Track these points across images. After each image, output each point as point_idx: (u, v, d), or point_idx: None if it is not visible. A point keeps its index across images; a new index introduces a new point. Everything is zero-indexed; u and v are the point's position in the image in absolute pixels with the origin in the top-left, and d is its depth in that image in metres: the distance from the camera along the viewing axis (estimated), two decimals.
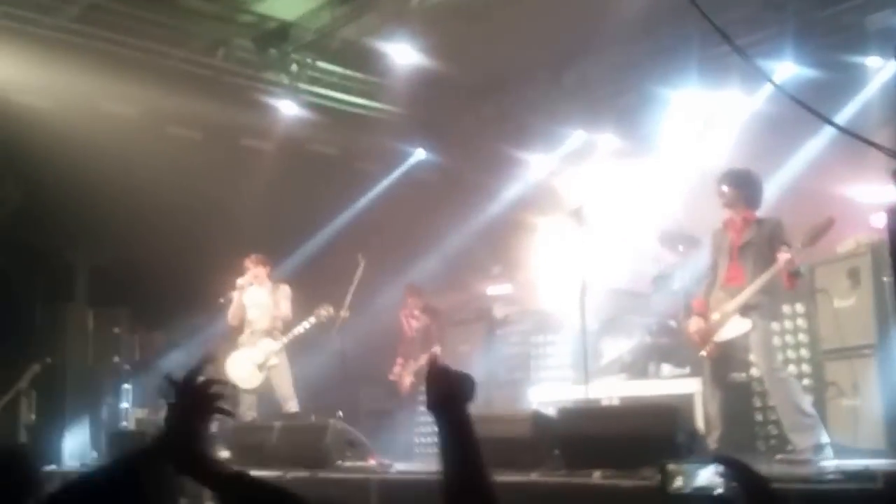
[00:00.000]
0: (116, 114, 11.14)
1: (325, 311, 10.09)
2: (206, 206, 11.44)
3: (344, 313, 9.82)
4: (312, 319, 10.16)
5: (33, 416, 10.69)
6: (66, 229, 11.47)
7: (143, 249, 11.29)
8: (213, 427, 11.20)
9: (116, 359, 11.71)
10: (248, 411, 10.06)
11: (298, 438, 8.38)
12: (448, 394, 2.53)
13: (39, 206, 10.99)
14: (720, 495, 3.96)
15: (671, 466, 4.20)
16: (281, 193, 11.84)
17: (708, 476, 3.98)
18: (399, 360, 10.97)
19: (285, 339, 10.13)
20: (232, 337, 10.50)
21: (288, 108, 11.61)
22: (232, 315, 10.37)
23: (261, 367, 10.05)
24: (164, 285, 11.54)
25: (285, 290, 10.36)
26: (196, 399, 2.45)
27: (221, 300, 10.49)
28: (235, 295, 10.37)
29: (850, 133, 3.90)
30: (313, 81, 11.62)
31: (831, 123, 4.02)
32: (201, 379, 2.46)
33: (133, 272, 11.55)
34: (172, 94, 10.95)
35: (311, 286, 10.89)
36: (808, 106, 4.17)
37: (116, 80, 10.49)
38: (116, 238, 11.45)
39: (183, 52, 10.81)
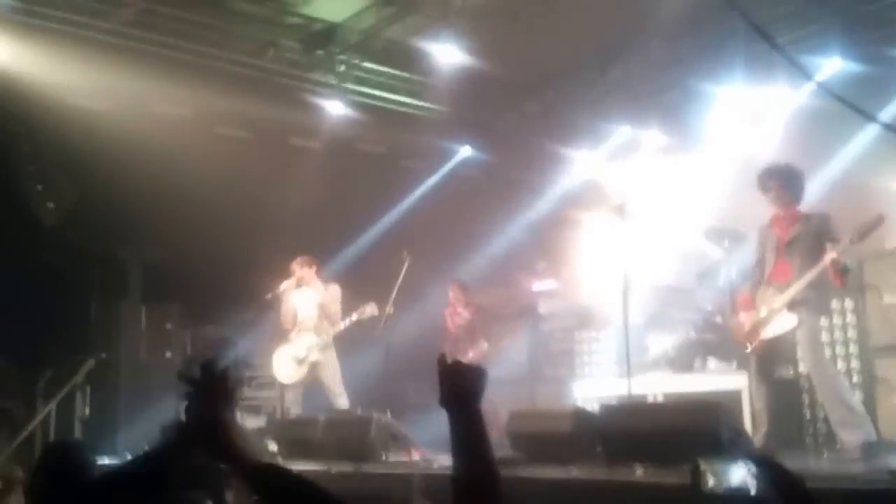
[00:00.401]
0: (168, 115, 11.19)
1: (369, 309, 10.05)
2: (254, 205, 11.49)
3: (389, 309, 9.73)
4: (354, 316, 10.16)
5: (88, 411, 10.70)
6: (119, 228, 11.58)
7: (194, 247, 11.33)
8: (260, 420, 11.36)
9: (168, 354, 11.83)
10: (292, 406, 10.12)
11: (343, 432, 8.37)
12: (459, 391, 2.55)
13: (94, 206, 11.09)
14: (754, 496, 3.80)
15: (703, 466, 4.04)
16: (328, 192, 11.84)
17: (742, 476, 3.82)
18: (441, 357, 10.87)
19: (325, 335, 10.11)
20: (282, 335, 10.53)
21: (335, 108, 11.62)
22: (283, 318, 10.41)
23: (300, 361, 10.08)
24: (214, 282, 11.62)
25: (334, 290, 10.35)
26: (216, 386, 2.45)
27: (268, 296, 10.52)
28: (281, 298, 10.41)
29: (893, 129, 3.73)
30: (359, 81, 11.64)
31: (874, 119, 3.84)
32: (220, 366, 2.47)
33: (184, 269, 11.65)
34: (222, 95, 10.96)
35: (357, 283, 10.89)
36: (851, 102, 4.02)
37: (167, 81, 10.52)
38: (168, 236, 11.53)
39: (232, 54, 10.84)
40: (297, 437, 8.78)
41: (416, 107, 12.18)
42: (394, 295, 9.72)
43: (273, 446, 9.16)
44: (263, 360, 12.02)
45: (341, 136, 12.17)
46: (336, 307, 10.24)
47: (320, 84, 11.58)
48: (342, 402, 9.91)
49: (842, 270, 6.62)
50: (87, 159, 10.44)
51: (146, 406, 10.67)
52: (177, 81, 10.56)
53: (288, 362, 10.20)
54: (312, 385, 10.23)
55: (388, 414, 9.29)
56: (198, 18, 10.26)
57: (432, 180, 13.26)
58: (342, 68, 11.35)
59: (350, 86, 11.55)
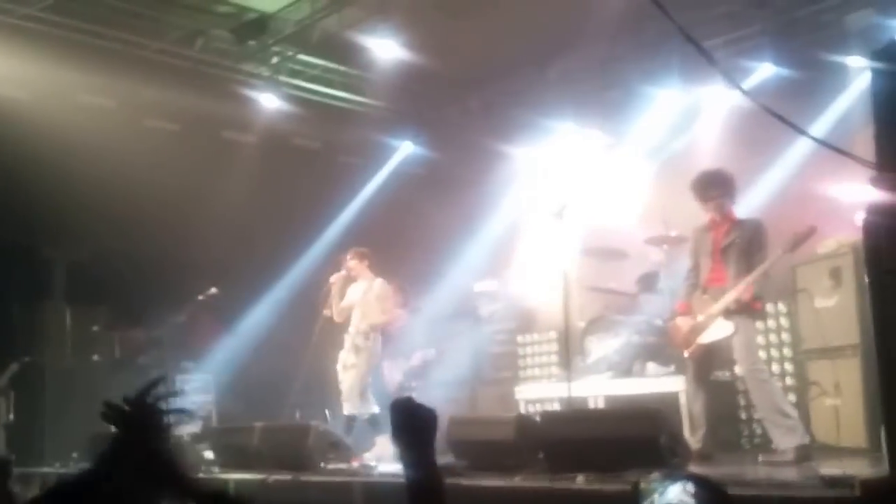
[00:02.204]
0: (94, 105, 11.14)
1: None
2: (186, 201, 11.37)
3: (327, 312, 9.83)
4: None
5: (12, 416, 10.63)
6: (42, 225, 11.39)
7: (122, 245, 11.32)
8: (195, 426, 11.40)
9: (95, 357, 11.80)
10: (349, 407, 9.73)
11: (280, 440, 8.46)
12: (410, 429, 2.63)
13: (14, 201, 10.75)
14: None
15: (643, 484, 4.35)
16: (263, 187, 11.86)
17: (678, 493, 4.13)
18: (385, 363, 11.12)
19: (361, 336, 9.85)
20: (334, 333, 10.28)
21: (269, 101, 11.64)
22: (336, 313, 10.04)
23: (345, 366, 9.82)
24: (144, 282, 11.56)
25: (380, 287, 10.11)
26: (147, 427, 2.45)
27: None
28: (331, 290, 10.06)
29: (818, 140, 4.07)
30: (294, 74, 11.68)
31: (800, 131, 4.17)
32: (150, 399, 2.47)
33: (112, 269, 11.56)
34: (150, 86, 10.98)
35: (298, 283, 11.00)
36: (776, 113, 4.33)
37: (93, 71, 10.47)
38: (94, 234, 11.45)
39: (160, 43, 10.78)
40: (233, 444, 8.85)
41: (354, 101, 12.22)
42: (331, 300, 9.80)
43: (209, 454, 9.28)
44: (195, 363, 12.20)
45: (276, 130, 12.16)
46: (380, 304, 9.99)
47: (253, 76, 11.57)
48: (348, 406, 9.70)
49: (752, 301, 7.10)
50: (5, 151, 10.20)
51: (72, 411, 10.69)
52: (103, 71, 10.51)
53: (340, 368, 9.90)
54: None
55: (328, 417, 9.50)
56: (124, 5, 10.18)
57: (372, 177, 13.34)
58: (276, 60, 11.37)
59: (284, 78, 11.58)
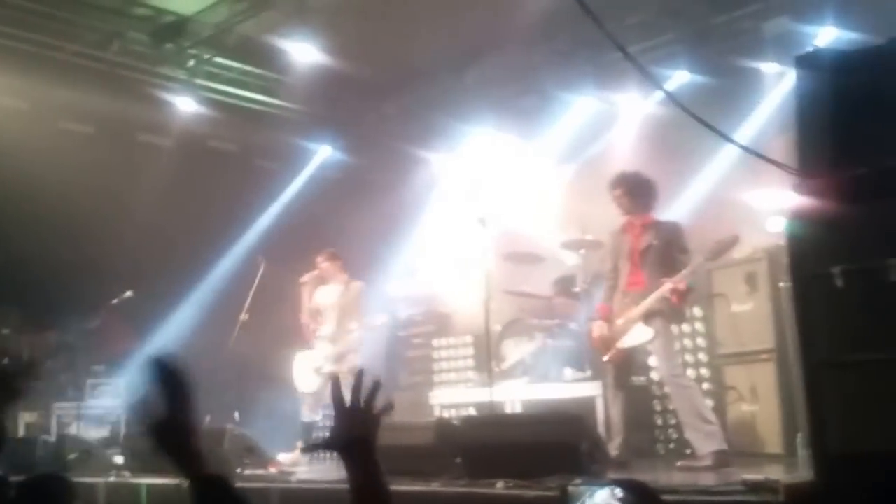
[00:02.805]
0: (6, 107, 10.89)
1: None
2: (101, 203, 11.14)
3: (244, 316, 9.61)
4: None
5: None
6: None
7: (35, 248, 10.88)
8: (103, 430, 11.10)
9: (5, 360, 11.36)
10: (309, 412, 9.57)
11: None
12: (355, 437, 2.49)
13: None
14: None
15: (571, 488, 4.21)
16: (180, 191, 11.59)
17: (606, 498, 3.98)
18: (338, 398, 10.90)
19: (342, 343, 9.53)
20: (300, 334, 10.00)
21: (185, 104, 11.50)
22: (304, 314, 9.75)
23: (317, 371, 9.51)
24: (56, 286, 11.18)
25: (355, 289, 9.77)
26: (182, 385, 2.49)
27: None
28: (301, 291, 9.76)
29: (738, 144, 3.97)
30: (211, 77, 11.49)
31: (721, 134, 4.06)
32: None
33: (22, 271, 11.07)
34: (64, 88, 10.76)
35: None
36: (698, 116, 4.20)
37: (6, 72, 10.34)
38: (5, 236, 10.96)
39: (76, 46, 10.56)
40: (145, 449, 8.54)
41: (271, 105, 12.11)
42: (248, 301, 9.57)
43: (118, 459, 8.96)
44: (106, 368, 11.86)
45: (192, 133, 11.98)
46: (356, 307, 9.68)
47: (170, 79, 11.41)
48: (311, 413, 9.53)
49: (682, 295, 6.97)
50: None
51: None
52: (15, 72, 10.38)
53: (306, 371, 9.63)
54: None
55: (236, 419, 9.24)
56: (38, 7, 9.97)
57: (290, 180, 13.18)
58: (193, 63, 11.22)
59: (201, 81, 11.42)
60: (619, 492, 3.78)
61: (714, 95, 9.41)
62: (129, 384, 11.84)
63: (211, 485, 2.45)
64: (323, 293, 9.73)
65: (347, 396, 2.55)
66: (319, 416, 9.49)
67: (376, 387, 2.52)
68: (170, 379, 2.48)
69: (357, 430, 2.48)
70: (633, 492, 3.48)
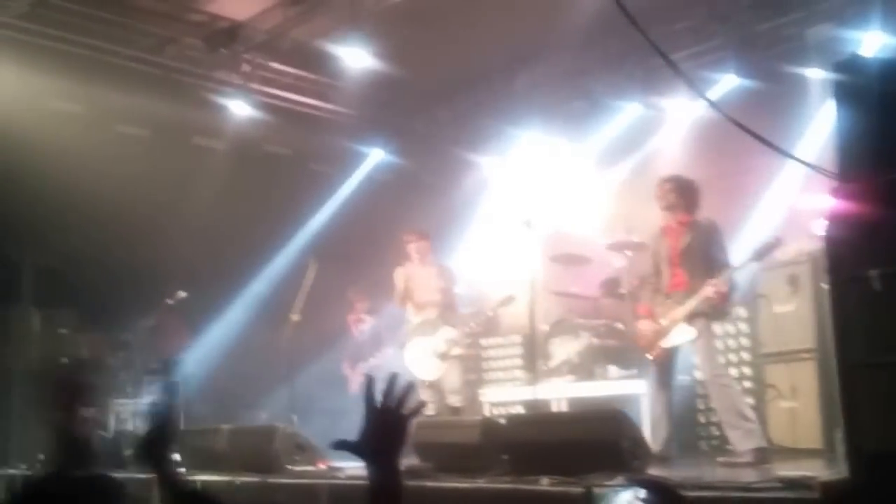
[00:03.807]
0: (62, 111, 11.06)
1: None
2: (156, 207, 11.36)
3: (295, 317, 9.63)
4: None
5: None
6: (11, 229, 11.16)
7: (91, 249, 11.13)
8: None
9: (64, 360, 11.60)
10: (430, 404, 9.27)
11: (247, 442, 8.37)
12: (386, 440, 2.50)
13: None
14: None
15: (595, 489, 4.35)
16: (234, 193, 11.80)
17: (629, 499, 4.12)
18: (346, 364, 11.09)
19: (469, 328, 9.53)
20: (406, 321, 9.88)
21: (239, 108, 11.64)
22: (396, 298, 9.70)
23: (443, 356, 9.33)
24: (114, 287, 11.39)
25: (450, 273, 9.73)
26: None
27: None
28: (396, 278, 9.65)
29: (778, 149, 4.08)
30: (265, 82, 11.67)
31: (764, 141, 4.17)
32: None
33: (80, 272, 11.37)
34: (121, 92, 10.91)
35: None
36: (740, 123, 4.34)
37: (64, 77, 10.46)
38: (63, 238, 11.26)
39: (131, 50, 10.78)
40: (200, 447, 8.68)
41: (324, 109, 12.26)
42: (300, 302, 9.70)
43: (175, 456, 9.21)
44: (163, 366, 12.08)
45: (246, 137, 12.16)
46: (452, 289, 9.61)
47: (224, 83, 11.55)
48: (456, 399, 9.39)
49: (724, 297, 7.11)
50: None
51: (39, 413, 10.60)
52: (73, 77, 10.50)
53: (426, 356, 9.39)
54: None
55: (295, 422, 9.40)
56: (94, 13, 10.17)
57: (342, 183, 13.33)
58: (247, 68, 11.36)
59: (255, 86, 11.55)
60: (641, 492, 3.92)
61: (761, 99, 9.52)
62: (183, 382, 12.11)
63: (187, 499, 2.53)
64: (414, 275, 9.62)
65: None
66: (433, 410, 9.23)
67: (408, 388, 2.50)
68: (167, 393, 2.56)
69: (388, 433, 2.47)
70: (656, 492, 3.58)
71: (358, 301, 11.30)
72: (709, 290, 7.10)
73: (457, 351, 9.37)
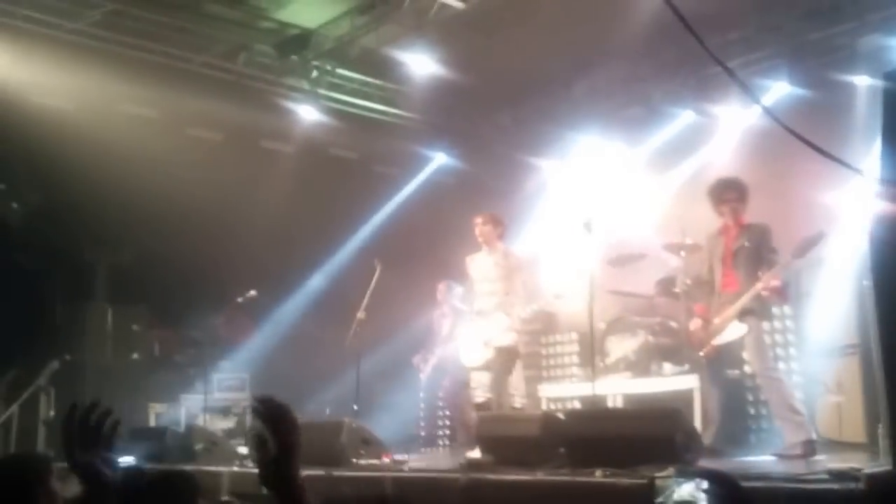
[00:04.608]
0: (137, 115, 11.36)
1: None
2: (225, 208, 11.64)
3: (361, 315, 9.74)
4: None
5: (52, 413, 10.65)
6: (86, 229, 11.70)
7: (163, 249, 11.51)
8: (229, 422, 11.56)
9: (135, 355, 12.06)
10: (477, 390, 8.98)
11: (314, 436, 8.21)
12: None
13: (60, 206, 11.21)
14: None
15: (658, 481, 4.45)
16: (301, 195, 12.09)
17: (691, 490, 4.24)
18: (418, 357, 11.37)
19: (515, 316, 8.87)
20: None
21: (308, 113, 11.92)
22: (468, 286, 9.45)
23: (486, 344, 8.84)
24: (183, 285, 11.80)
25: (516, 259, 9.13)
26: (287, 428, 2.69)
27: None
28: (467, 263, 9.29)
29: (825, 153, 4.27)
30: (333, 87, 11.89)
31: (811, 145, 4.36)
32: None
33: (152, 271, 11.77)
34: (193, 97, 11.19)
35: (333, 289, 11.09)
36: (789, 127, 4.53)
37: (137, 83, 10.73)
38: (135, 238, 11.74)
39: (204, 57, 11.06)
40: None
41: (390, 114, 12.46)
42: (366, 301, 9.81)
43: (242, 450, 9.41)
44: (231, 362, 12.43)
45: (314, 141, 12.41)
46: (518, 276, 9.00)
47: (293, 89, 11.82)
48: (517, 398, 9.21)
49: (778, 292, 7.32)
50: (52, 159, 10.47)
51: (112, 408, 10.84)
52: (147, 83, 10.76)
53: (474, 344, 9.02)
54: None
55: (358, 417, 9.61)
56: (169, 20, 10.43)
57: (407, 187, 13.59)
58: (316, 74, 11.61)
59: (323, 91, 11.81)
60: (703, 484, 4.07)
61: (812, 107, 9.69)
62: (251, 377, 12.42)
63: None
64: (479, 262, 9.23)
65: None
66: (491, 395, 8.80)
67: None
68: (275, 420, 2.64)
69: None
70: (717, 483, 3.73)
71: (443, 295, 11.35)
72: (758, 287, 7.34)
73: (505, 341, 8.82)
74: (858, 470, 4.84)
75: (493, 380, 8.79)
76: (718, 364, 7.85)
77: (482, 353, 8.92)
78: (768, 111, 6.33)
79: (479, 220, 9.14)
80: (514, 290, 8.90)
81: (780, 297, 7.57)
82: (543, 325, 11.44)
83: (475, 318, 9.21)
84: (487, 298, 9.04)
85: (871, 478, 4.71)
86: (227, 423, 11.77)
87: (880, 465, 5.15)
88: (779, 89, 10.22)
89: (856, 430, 7.74)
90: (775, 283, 7.37)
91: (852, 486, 4.71)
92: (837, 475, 4.94)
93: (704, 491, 4.25)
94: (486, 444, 7.35)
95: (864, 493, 4.62)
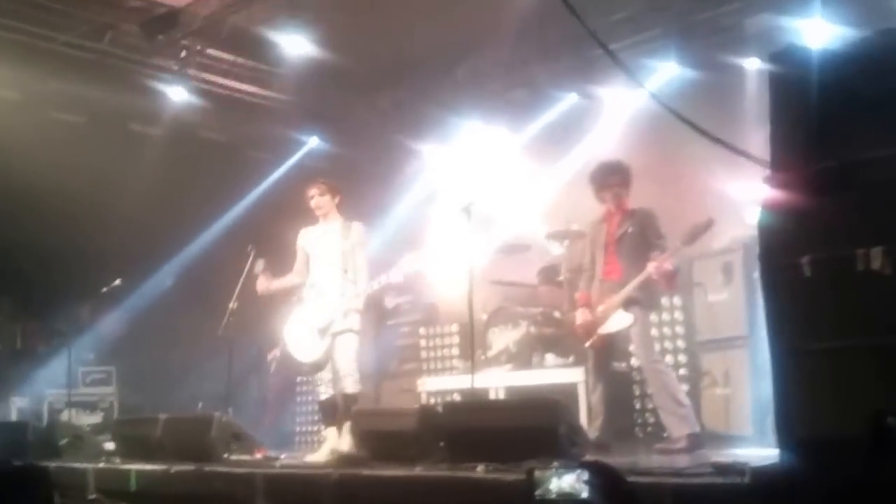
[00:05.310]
0: None
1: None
2: (91, 192, 11.23)
3: (233, 304, 9.28)
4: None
5: None
6: None
7: (26, 237, 11.09)
8: (96, 417, 11.25)
9: None
10: (321, 387, 8.08)
11: (183, 431, 8.24)
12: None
13: None
14: (583, 500, 4.09)
15: (537, 472, 4.32)
16: (170, 180, 11.73)
17: (572, 481, 4.10)
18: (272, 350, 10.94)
19: (357, 300, 7.96)
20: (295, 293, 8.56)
21: (177, 94, 11.64)
22: (297, 266, 8.33)
23: (322, 332, 7.92)
24: (48, 275, 11.41)
25: (359, 231, 8.20)
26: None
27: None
28: (298, 238, 8.36)
29: (713, 138, 4.08)
30: (203, 68, 11.63)
31: (699, 130, 4.17)
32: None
33: (15, 260, 11.34)
34: (56, 78, 10.91)
35: (202, 276, 10.74)
36: (676, 111, 4.33)
37: None
38: None
39: (68, 36, 10.64)
40: (135, 436, 8.60)
41: (263, 96, 12.28)
42: (238, 289, 9.39)
43: (110, 445, 9.09)
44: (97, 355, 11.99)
45: (184, 123, 12.15)
46: (361, 252, 8.08)
47: (162, 69, 11.51)
48: (349, 383, 7.84)
49: (670, 276, 7.14)
50: None
51: None
52: (5, 62, 10.46)
53: (307, 333, 8.05)
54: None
55: (230, 412, 9.30)
56: None
57: (279, 171, 13.33)
58: (184, 54, 11.31)
59: (193, 72, 11.52)
60: (584, 475, 3.90)
61: (701, 89, 9.63)
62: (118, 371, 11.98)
63: None
64: (313, 235, 8.32)
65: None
66: (333, 391, 8.00)
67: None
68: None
69: None
70: (599, 474, 3.58)
71: None
72: (651, 268, 7.11)
73: (340, 325, 7.88)
74: (744, 463, 4.72)
75: (351, 369, 7.89)
76: (604, 356, 7.64)
77: (318, 344, 7.98)
78: (654, 95, 6.18)
79: (314, 190, 8.19)
80: (356, 268, 7.99)
81: (670, 282, 7.37)
82: (423, 316, 11.28)
83: (303, 302, 8.24)
84: (323, 277, 8.08)
85: (757, 471, 4.59)
86: (94, 419, 11.55)
87: (767, 459, 5.07)
88: (668, 70, 10.12)
89: (742, 422, 7.71)
90: (668, 266, 7.15)
91: (738, 480, 4.59)
92: (722, 469, 4.82)
93: (586, 482, 4.10)
94: (363, 440, 7.08)
95: (750, 486, 4.48)
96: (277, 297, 9.03)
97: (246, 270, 9.56)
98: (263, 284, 8.52)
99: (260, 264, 8.59)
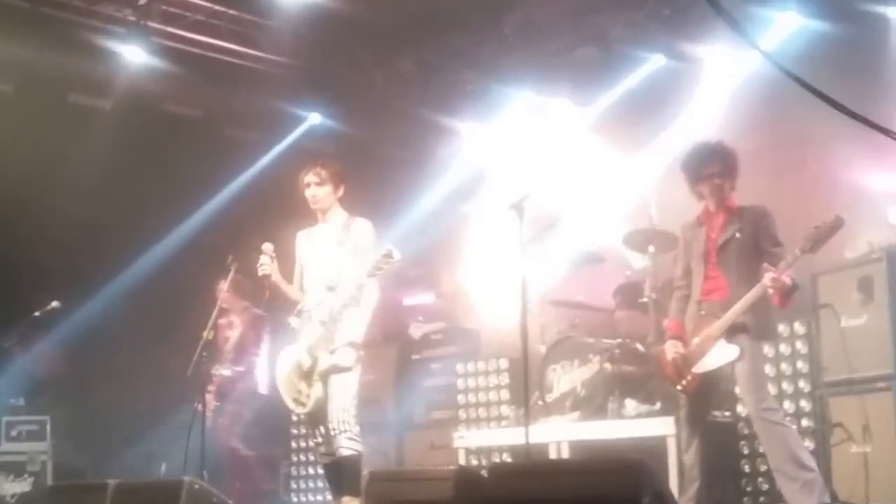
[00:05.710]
0: None
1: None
2: (21, 185, 11.38)
3: (207, 334, 9.22)
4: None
5: None
6: None
7: None
8: (24, 484, 11.36)
9: None
10: (324, 449, 8.06)
11: (142, 503, 8.11)
12: None
13: None
14: None
15: None
16: (123, 168, 11.88)
17: None
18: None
19: (354, 327, 7.84)
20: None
21: (133, 55, 11.64)
22: (295, 283, 8.28)
23: (307, 374, 7.84)
24: None
25: (361, 231, 8.05)
26: None
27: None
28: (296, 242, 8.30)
29: (852, 114, 4.17)
30: (168, 20, 11.64)
31: (829, 101, 4.27)
32: None
33: None
34: None
35: (167, 296, 10.98)
36: (799, 78, 4.41)
37: None
38: None
39: None
40: None
41: (248, 57, 12.29)
42: (214, 315, 9.49)
43: None
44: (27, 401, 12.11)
45: (142, 94, 12.23)
46: (364, 257, 7.72)
47: (113, 21, 11.47)
48: (341, 442, 7.75)
49: (787, 292, 7.17)
50: None
51: None
52: None
53: (293, 378, 8.00)
54: None
55: (205, 476, 9.41)
56: None
57: (266, 155, 13.46)
58: (144, 1, 11.25)
59: (154, 25, 11.50)
60: None
61: (832, 48, 9.57)
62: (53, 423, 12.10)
63: None
64: (309, 239, 8.31)
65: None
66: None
67: None
68: None
69: None
70: None
71: (226, 297, 10.40)
72: (767, 278, 7.05)
73: (326, 363, 7.77)
74: None
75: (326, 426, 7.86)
76: (702, 402, 7.70)
77: (304, 389, 7.91)
78: (768, 56, 6.26)
79: (311, 176, 8.07)
80: (352, 282, 7.76)
81: (785, 300, 7.31)
82: (460, 349, 11.36)
83: (295, 330, 8.15)
84: (313, 296, 8.04)
85: None
86: (20, 486, 11.49)
87: None
88: (787, 22, 10.16)
89: (890, 489, 7.68)
90: (786, 279, 7.10)
91: None
92: None
93: None
94: None
95: None
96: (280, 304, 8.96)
97: (225, 288, 9.75)
98: (273, 269, 8.17)
99: (268, 247, 8.28)
